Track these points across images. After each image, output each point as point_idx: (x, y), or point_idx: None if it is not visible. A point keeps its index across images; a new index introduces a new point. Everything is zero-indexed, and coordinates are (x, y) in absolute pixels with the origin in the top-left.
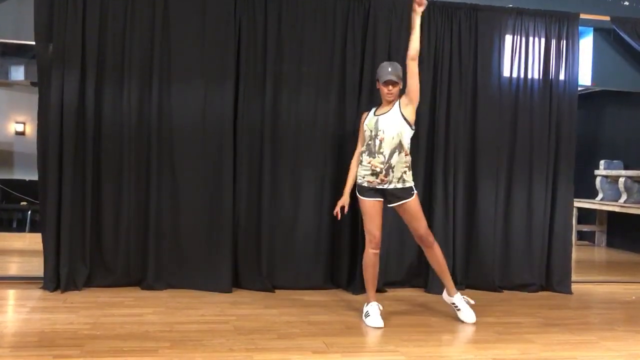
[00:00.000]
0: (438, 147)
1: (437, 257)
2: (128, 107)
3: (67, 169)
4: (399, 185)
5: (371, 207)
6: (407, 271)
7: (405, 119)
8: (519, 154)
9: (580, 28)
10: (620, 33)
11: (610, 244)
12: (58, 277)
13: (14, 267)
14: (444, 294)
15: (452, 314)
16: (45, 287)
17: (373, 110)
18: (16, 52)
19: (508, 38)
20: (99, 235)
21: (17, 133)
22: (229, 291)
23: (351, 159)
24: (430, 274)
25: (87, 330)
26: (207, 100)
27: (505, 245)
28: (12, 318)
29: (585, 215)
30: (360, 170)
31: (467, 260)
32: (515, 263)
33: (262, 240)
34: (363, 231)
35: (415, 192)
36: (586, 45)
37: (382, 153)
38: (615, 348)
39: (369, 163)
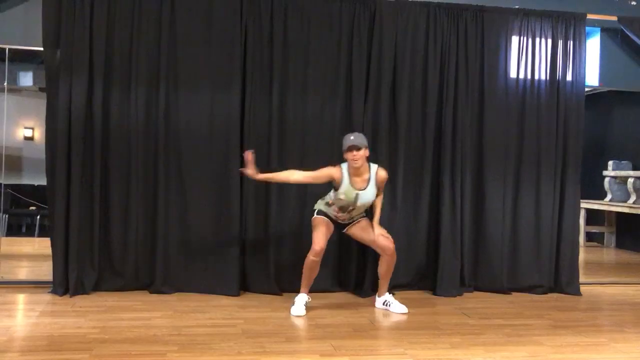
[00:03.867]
0: (445, 149)
1: (391, 264)
2: (135, 112)
3: (75, 174)
4: (357, 218)
5: (325, 223)
6: (415, 273)
7: (376, 191)
8: (526, 155)
9: (587, 28)
10: (628, 33)
11: (619, 245)
12: (67, 282)
13: (23, 272)
14: (377, 296)
15: (461, 316)
16: (54, 292)
17: (346, 175)
18: (24, 58)
19: (515, 39)
20: (108, 239)
21: (26, 138)
22: (237, 294)
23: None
24: (438, 277)
25: (96, 334)
26: (214, 104)
27: (513, 247)
28: (21, 322)
29: (594, 217)
30: (324, 208)
31: (476, 262)
32: (523, 265)
33: (270, 244)
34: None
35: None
36: (593, 45)
37: (351, 214)
38: (626, 350)
39: (337, 212)
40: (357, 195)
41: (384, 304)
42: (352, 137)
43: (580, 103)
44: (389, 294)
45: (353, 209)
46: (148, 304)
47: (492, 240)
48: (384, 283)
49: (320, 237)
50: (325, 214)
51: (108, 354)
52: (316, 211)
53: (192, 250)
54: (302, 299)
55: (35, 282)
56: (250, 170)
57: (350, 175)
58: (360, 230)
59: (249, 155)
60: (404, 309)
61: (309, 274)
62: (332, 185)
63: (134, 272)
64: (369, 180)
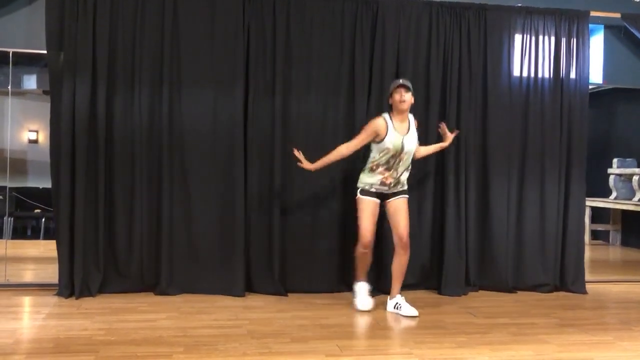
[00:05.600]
0: (449, 148)
1: (404, 262)
2: (139, 114)
3: (80, 176)
4: (400, 189)
5: (371, 205)
6: (420, 273)
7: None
8: (530, 154)
9: (590, 26)
10: (631, 30)
11: (625, 243)
12: (72, 284)
13: (29, 274)
14: (389, 298)
15: (466, 315)
16: (60, 294)
17: (389, 122)
18: (28, 62)
19: (518, 37)
20: (113, 241)
21: (31, 141)
22: (242, 295)
23: (356, 159)
24: (443, 276)
25: (102, 336)
26: (217, 105)
27: (518, 245)
28: (28, 325)
29: (599, 215)
30: (368, 179)
31: (480, 261)
32: (528, 263)
33: (274, 244)
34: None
35: (408, 194)
36: (597, 42)
37: (397, 170)
38: (632, 348)
39: (382, 175)
40: (402, 141)
41: (394, 307)
42: (400, 80)
43: (584, 101)
44: (401, 296)
45: (400, 162)
46: (153, 306)
47: (497, 239)
48: (396, 283)
49: (367, 228)
50: (369, 191)
51: (114, 356)
52: (359, 189)
53: (197, 252)
54: (363, 287)
55: (41, 284)
56: (306, 164)
57: (394, 122)
58: (393, 210)
59: (297, 152)
60: (413, 311)
61: (363, 265)
62: (365, 152)
63: (139, 273)
64: (409, 128)
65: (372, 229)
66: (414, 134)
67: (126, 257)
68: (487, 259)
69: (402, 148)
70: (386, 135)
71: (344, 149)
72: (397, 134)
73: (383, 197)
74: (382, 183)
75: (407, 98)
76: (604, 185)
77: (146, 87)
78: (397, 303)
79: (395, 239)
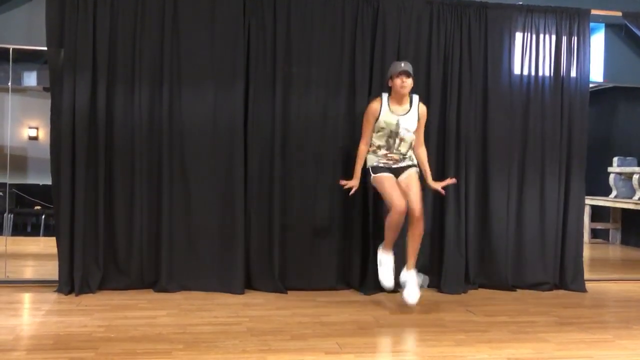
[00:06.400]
0: (449, 146)
1: (418, 235)
2: (139, 111)
3: (80, 173)
4: (409, 163)
5: (389, 178)
6: (420, 271)
7: (418, 121)
8: (530, 152)
9: (591, 24)
10: (632, 28)
11: (625, 242)
12: (72, 281)
13: (29, 271)
14: (404, 270)
15: (465, 313)
16: (59, 290)
17: (386, 103)
18: (28, 58)
19: (518, 35)
20: (113, 238)
21: (31, 138)
22: (242, 293)
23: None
24: (442, 274)
25: (101, 333)
26: (217, 102)
27: (518, 243)
28: (27, 321)
29: (600, 213)
30: (373, 156)
31: (480, 260)
32: (528, 262)
33: (274, 242)
34: (374, 232)
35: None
36: (598, 41)
37: (399, 150)
38: (632, 347)
39: (385, 156)
40: (398, 121)
41: (401, 283)
42: (402, 64)
43: (584, 99)
44: (415, 270)
45: (400, 143)
46: (153, 303)
47: (496, 237)
48: (410, 257)
49: (396, 195)
50: (379, 167)
51: (114, 353)
52: (370, 169)
53: (197, 249)
54: (388, 262)
55: (40, 281)
56: (351, 183)
57: (390, 103)
58: (405, 186)
59: (342, 182)
60: (412, 297)
61: (394, 233)
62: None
63: (139, 270)
64: (409, 109)
65: (401, 194)
66: (413, 116)
67: (126, 254)
68: (487, 257)
69: (398, 127)
70: (379, 114)
71: (363, 146)
72: (392, 114)
73: (394, 173)
74: (387, 158)
75: (408, 83)
76: (604, 183)
77: (146, 85)
78: (404, 281)
79: (408, 213)
